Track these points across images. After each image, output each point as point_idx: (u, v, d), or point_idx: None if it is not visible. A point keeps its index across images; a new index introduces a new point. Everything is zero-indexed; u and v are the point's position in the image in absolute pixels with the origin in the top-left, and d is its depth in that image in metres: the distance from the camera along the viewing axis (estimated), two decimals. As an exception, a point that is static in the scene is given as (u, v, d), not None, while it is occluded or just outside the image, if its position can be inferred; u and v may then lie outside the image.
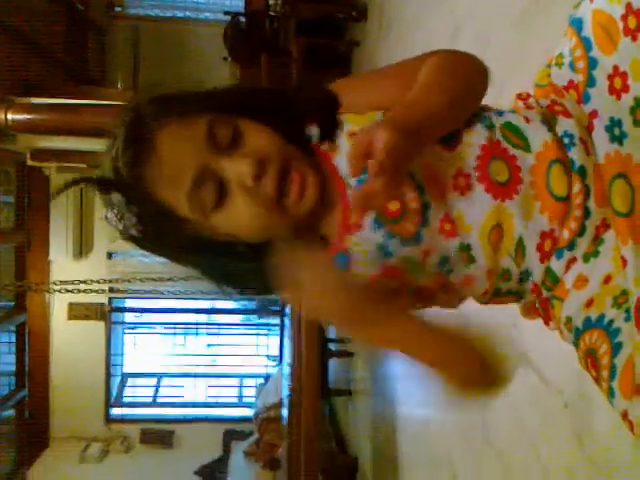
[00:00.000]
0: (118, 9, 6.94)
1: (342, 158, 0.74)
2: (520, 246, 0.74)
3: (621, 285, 0.70)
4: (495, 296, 0.78)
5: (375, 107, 0.76)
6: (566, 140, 0.74)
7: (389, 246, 0.73)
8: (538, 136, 0.74)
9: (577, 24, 0.74)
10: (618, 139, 0.70)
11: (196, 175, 0.68)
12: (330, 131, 0.76)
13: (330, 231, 0.77)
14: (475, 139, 0.74)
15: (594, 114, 0.73)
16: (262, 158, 0.69)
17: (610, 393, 0.65)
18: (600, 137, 0.72)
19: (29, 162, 4.73)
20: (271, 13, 5.11)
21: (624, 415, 0.63)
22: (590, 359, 0.70)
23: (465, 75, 0.75)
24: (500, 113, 0.77)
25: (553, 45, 0.82)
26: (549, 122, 0.76)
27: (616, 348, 0.66)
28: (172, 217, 0.70)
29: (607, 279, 0.71)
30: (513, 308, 0.86)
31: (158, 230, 0.72)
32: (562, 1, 1.50)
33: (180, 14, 7.07)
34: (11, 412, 5.88)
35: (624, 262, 0.69)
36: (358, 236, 0.74)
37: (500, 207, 0.73)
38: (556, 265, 0.74)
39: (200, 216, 0.70)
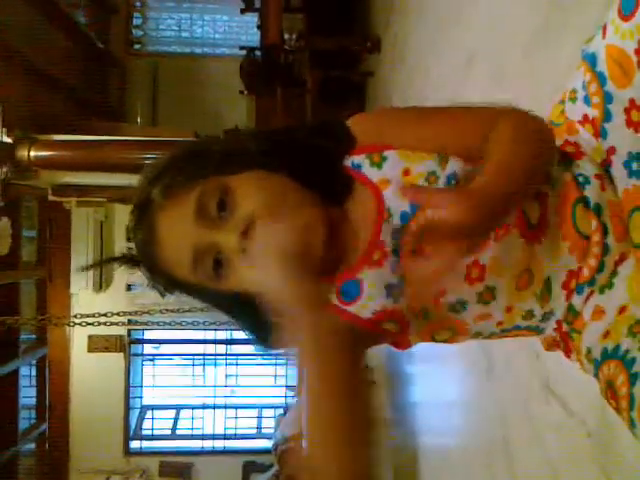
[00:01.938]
0: (137, 46, 7.12)
1: (392, 192, 0.73)
2: (547, 287, 0.74)
3: (635, 315, 0.70)
4: (514, 330, 0.78)
5: (424, 149, 0.75)
6: (581, 179, 0.74)
7: (399, 286, 0.73)
8: (559, 175, 0.75)
9: (591, 59, 0.74)
10: (636, 173, 0.71)
11: (192, 254, 0.71)
12: (340, 183, 0.75)
13: (352, 254, 0.76)
14: None
15: (612, 150, 0.73)
16: (249, 225, 0.69)
17: (631, 423, 0.65)
18: (619, 173, 0.73)
19: (50, 197, 4.82)
20: (286, 47, 5.19)
21: None
22: (610, 390, 0.70)
23: (542, 149, 0.73)
24: None
25: (565, 69, 0.83)
26: (565, 161, 0.76)
27: (633, 378, 0.66)
28: (189, 286, 0.75)
29: (622, 309, 0.71)
30: (535, 340, 0.86)
31: (183, 293, 0.77)
32: (572, 26, 1.52)
33: (198, 50, 7.23)
34: (32, 445, 5.88)
35: None
36: (375, 271, 0.74)
37: (532, 251, 0.73)
38: (576, 300, 0.74)
39: (211, 284, 0.73)
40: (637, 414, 0.64)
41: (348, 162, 0.76)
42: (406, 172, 0.73)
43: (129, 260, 0.77)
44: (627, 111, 0.71)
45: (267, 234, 0.67)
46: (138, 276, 0.77)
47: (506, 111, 0.74)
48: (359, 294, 0.75)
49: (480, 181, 0.66)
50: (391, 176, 0.74)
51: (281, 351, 0.83)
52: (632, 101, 0.70)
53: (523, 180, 0.68)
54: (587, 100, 0.76)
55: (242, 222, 0.69)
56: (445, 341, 0.79)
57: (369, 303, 0.75)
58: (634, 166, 0.71)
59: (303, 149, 0.77)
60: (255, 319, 0.77)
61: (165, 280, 0.75)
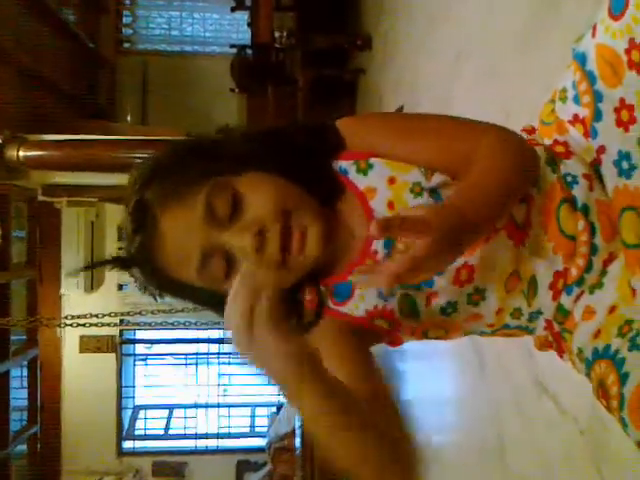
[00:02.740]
0: (127, 45, 7.08)
1: (379, 202, 0.74)
2: (532, 285, 0.74)
3: (625, 315, 0.70)
4: (504, 329, 0.78)
5: (407, 161, 0.75)
6: (569, 178, 0.75)
7: (392, 290, 0.74)
8: (545, 176, 0.75)
9: (580, 58, 0.74)
10: (626, 173, 0.70)
11: (201, 255, 0.70)
12: (330, 186, 0.76)
13: (344, 255, 0.77)
14: None
15: (602, 149, 0.73)
16: (261, 227, 0.69)
17: (623, 423, 0.66)
18: (608, 172, 0.73)
19: (40, 197, 4.79)
20: (277, 45, 5.18)
21: (638, 444, 0.64)
22: (601, 390, 0.71)
23: (522, 170, 0.73)
24: None
25: (556, 68, 0.82)
26: (552, 162, 0.77)
27: (624, 378, 0.67)
28: (189, 288, 0.74)
29: (612, 309, 0.72)
30: (527, 338, 0.86)
31: (179, 296, 0.77)
32: (563, 24, 1.52)
33: (188, 48, 7.21)
34: (24, 447, 5.85)
35: (634, 292, 0.70)
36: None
37: (519, 252, 0.73)
38: (566, 300, 0.75)
39: (214, 286, 0.72)
40: (628, 413, 0.65)
41: (336, 167, 0.77)
42: (391, 180, 0.74)
43: (121, 262, 0.76)
44: (617, 110, 0.70)
45: (277, 238, 0.69)
46: (129, 276, 0.76)
47: (489, 130, 0.75)
48: (351, 295, 0.76)
49: (454, 203, 0.65)
50: (377, 184, 0.75)
51: None
52: (622, 100, 0.70)
53: (499, 200, 0.69)
54: (577, 99, 0.76)
55: (254, 224, 0.69)
56: (437, 338, 0.80)
57: (360, 304, 0.76)
58: (624, 165, 0.71)
59: (297, 151, 0.77)
60: None
61: (164, 282, 0.75)
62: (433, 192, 0.73)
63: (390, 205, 0.74)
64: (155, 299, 0.78)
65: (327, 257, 0.76)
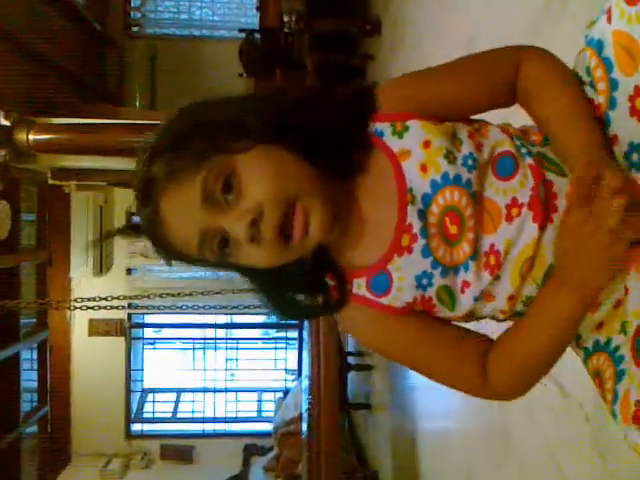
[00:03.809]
0: (135, 28, 7.06)
1: (412, 164, 0.73)
2: (548, 275, 0.73)
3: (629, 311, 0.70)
4: (516, 316, 0.78)
5: (457, 104, 0.77)
6: None
7: (431, 276, 0.73)
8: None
9: (596, 45, 0.73)
10: (637, 165, 0.69)
11: (199, 238, 0.70)
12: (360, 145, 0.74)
13: (374, 228, 0.76)
14: (528, 170, 0.73)
15: (614, 140, 0.71)
16: (257, 215, 0.68)
17: (613, 415, 0.69)
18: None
19: (50, 181, 4.81)
20: (286, 29, 5.15)
21: (625, 437, 0.67)
22: (597, 379, 0.73)
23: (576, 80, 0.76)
24: (532, 144, 0.77)
25: (566, 54, 0.81)
26: None
27: (619, 375, 0.69)
28: (195, 260, 0.75)
29: (617, 303, 0.71)
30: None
31: (188, 264, 0.77)
32: (572, 9, 1.51)
33: (196, 32, 7.17)
34: (34, 428, 5.93)
35: (626, 290, 0.69)
36: (405, 259, 0.74)
37: (540, 238, 0.72)
38: None
39: (217, 259, 0.73)
40: (619, 409, 0.68)
41: (371, 129, 0.76)
42: (426, 144, 0.73)
43: (131, 229, 0.77)
44: (632, 99, 0.69)
45: (274, 222, 0.68)
46: (138, 261, 0.78)
47: (522, 47, 0.77)
48: (389, 287, 0.75)
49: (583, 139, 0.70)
50: (411, 146, 0.74)
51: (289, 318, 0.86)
52: (637, 88, 0.68)
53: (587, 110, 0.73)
54: (593, 86, 0.74)
55: (250, 212, 0.68)
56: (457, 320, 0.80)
57: (400, 295, 0.75)
58: (634, 157, 0.69)
59: (316, 120, 0.75)
60: (263, 281, 0.79)
61: (171, 254, 0.75)
62: (465, 161, 0.73)
63: (423, 168, 0.73)
64: (168, 265, 0.79)
65: (350, 235, 0.75)
